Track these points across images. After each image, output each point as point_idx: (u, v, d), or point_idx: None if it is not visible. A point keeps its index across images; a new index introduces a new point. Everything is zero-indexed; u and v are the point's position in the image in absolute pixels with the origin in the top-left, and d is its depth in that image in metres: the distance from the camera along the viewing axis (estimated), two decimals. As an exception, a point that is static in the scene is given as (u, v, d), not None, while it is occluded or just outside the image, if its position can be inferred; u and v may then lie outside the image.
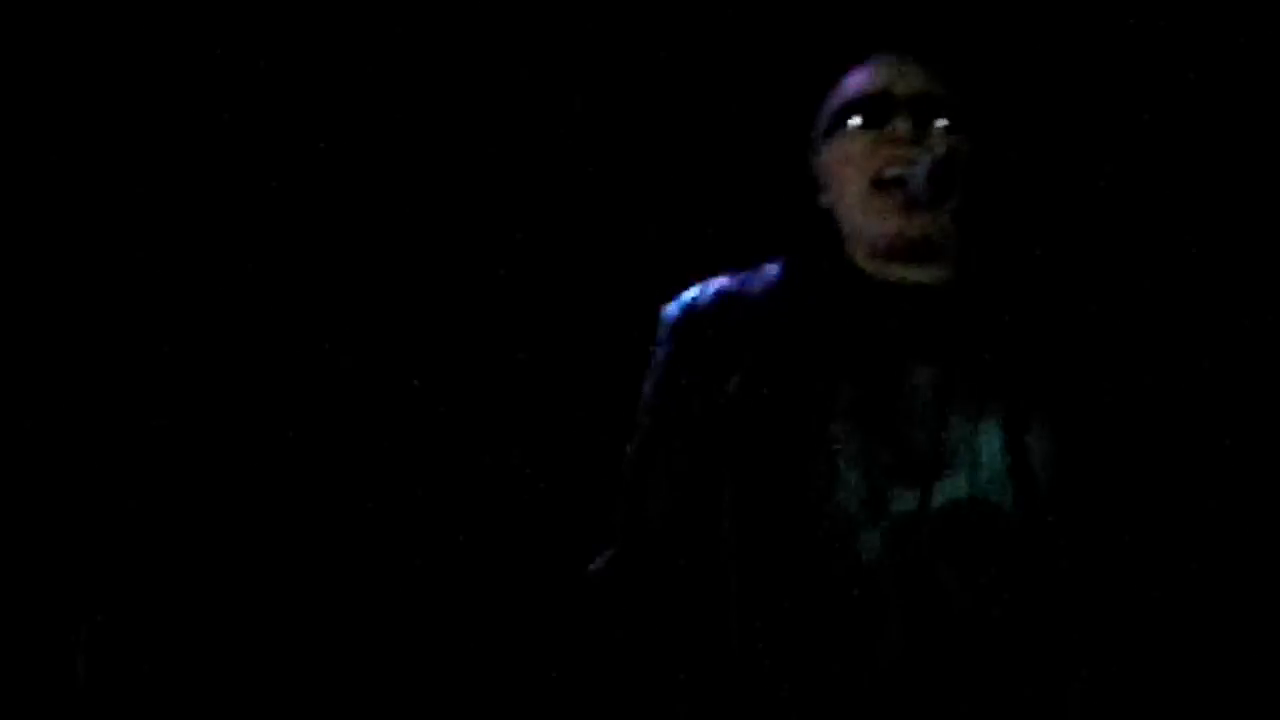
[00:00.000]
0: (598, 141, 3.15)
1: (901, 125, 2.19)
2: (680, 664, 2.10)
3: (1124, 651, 2.09)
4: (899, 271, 2.22)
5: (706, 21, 3.11)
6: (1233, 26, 3.10)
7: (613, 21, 3.12)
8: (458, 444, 3.19)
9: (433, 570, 3.18)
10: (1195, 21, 3.10)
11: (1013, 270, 2.26)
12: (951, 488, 2.07)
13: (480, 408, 3.18)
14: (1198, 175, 3.13)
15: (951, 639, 2.02)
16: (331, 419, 3.21)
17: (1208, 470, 2.58)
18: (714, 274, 2.31)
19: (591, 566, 2.20)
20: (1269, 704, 2.55)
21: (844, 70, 2.31)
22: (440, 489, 3.19)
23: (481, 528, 3.17)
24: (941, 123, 2.20)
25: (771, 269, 2.28)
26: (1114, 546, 2.12)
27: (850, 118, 2.24)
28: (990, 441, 2.07)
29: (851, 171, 2.22)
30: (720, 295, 2.25)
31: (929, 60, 2.28)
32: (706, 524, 2.12)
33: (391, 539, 3.19)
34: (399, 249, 3.22)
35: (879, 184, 2.18)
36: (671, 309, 2.27)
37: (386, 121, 3.19)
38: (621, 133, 3.14)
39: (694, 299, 2.26)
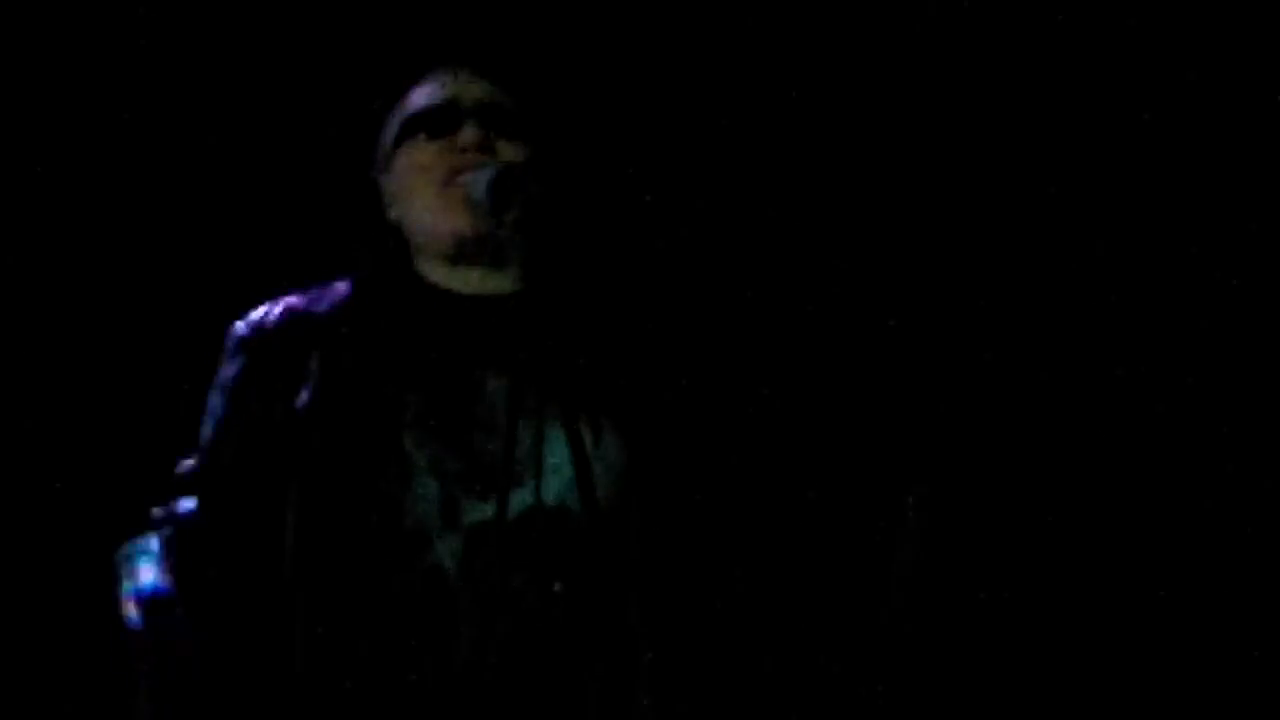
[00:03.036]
0: (163, 157, 3.08)
1: (468, 133, 2.22)
2: (246, 678, 2.08)
3: (694, 643, 2.14)
4: (466, 280, 2.23)
5: (265, 40, 3.07)
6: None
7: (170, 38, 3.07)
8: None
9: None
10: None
11: (578, 278, 2.30)
12: (524, 496, 2.09)
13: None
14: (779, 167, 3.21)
15: (522, 644, 2.05)
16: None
17: (776, 465, 2.66)
18: (282, 293, 2.29)
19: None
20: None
21: (406, 85, 2.33)
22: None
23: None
24: (507, 132, 2.24)
25: (341, 285, 2.28)
26: (683, 545, 2.17)
27: (417, 130, 2.26)
28: (557, 450, 2.09)
29: (420, 180, 2.24)
30: (289, 312, 2.23)
31: (493, 72, 2.31)
32: (271, 538, 2.10)
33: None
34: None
35: (447, 187, 2.20)
36: (239, 326, 2.25)
37: None
38: (185, 150, 3.08)
39: (262, 316, 2.24)
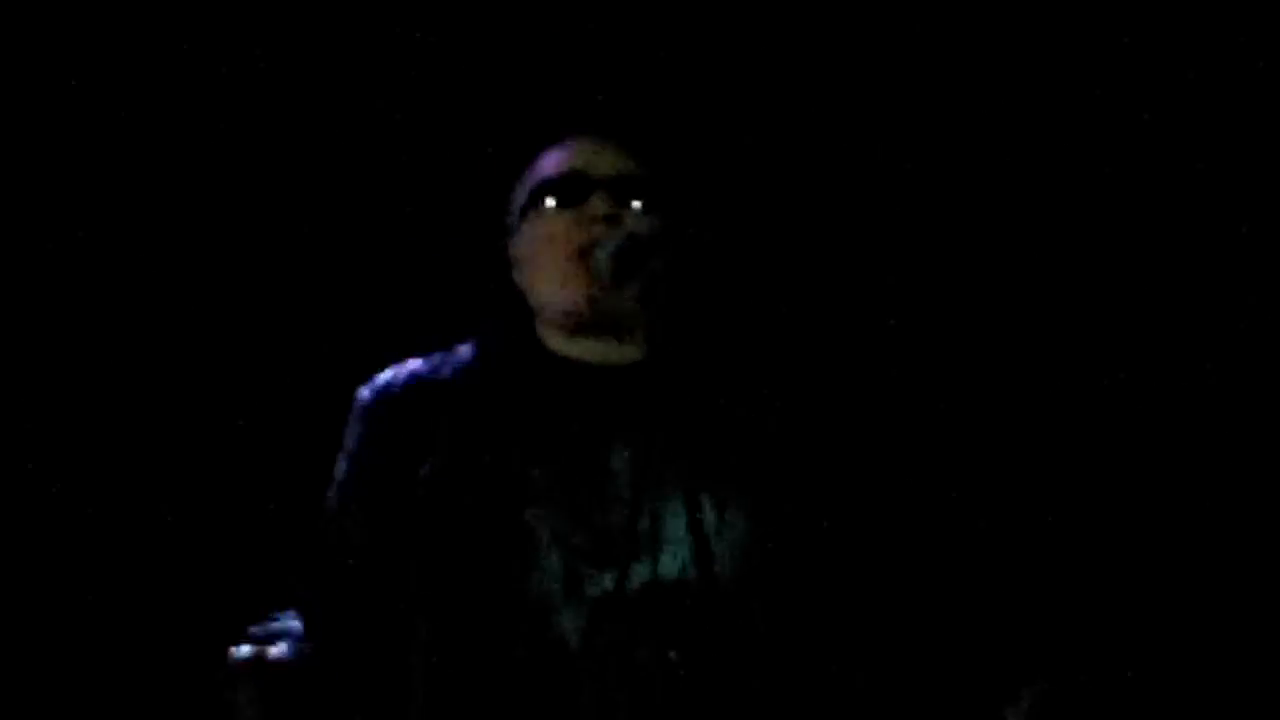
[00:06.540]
0: (291, 221, 3.10)
1: (598, 204, 2.21)
2: None
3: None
4: (588, 349, 2.23)
5: (397, 99, 3.09)
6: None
7: (298, 99, 3.10)
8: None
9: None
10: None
11: (701, 350, 2.29)
12: (646, 569, 2.09)
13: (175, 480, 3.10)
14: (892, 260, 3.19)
15: (643, 715, 2.04)
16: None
17: (892, 543, 2.64)
18: (409, 356, 2.30)
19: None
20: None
21: (537, 151, 2.33)
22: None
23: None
24: (637, 203, 2.23)
25: (465, 350, 2.28)
26: (806, 621, 2.15)
27: (546, 197, 2.25)
28: (677, 522, 2.09)
29: (546, 249, 2.23)
30: (413, 378, 2.24)
31: (624, 141, 2.31)
32: (394, 610, 2.11)
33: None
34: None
35: (572, 260, 2.19)
36: (365, 392, 2.26)
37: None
38: (321, 215, 3.10)
39: (388, 382, 2.25)
